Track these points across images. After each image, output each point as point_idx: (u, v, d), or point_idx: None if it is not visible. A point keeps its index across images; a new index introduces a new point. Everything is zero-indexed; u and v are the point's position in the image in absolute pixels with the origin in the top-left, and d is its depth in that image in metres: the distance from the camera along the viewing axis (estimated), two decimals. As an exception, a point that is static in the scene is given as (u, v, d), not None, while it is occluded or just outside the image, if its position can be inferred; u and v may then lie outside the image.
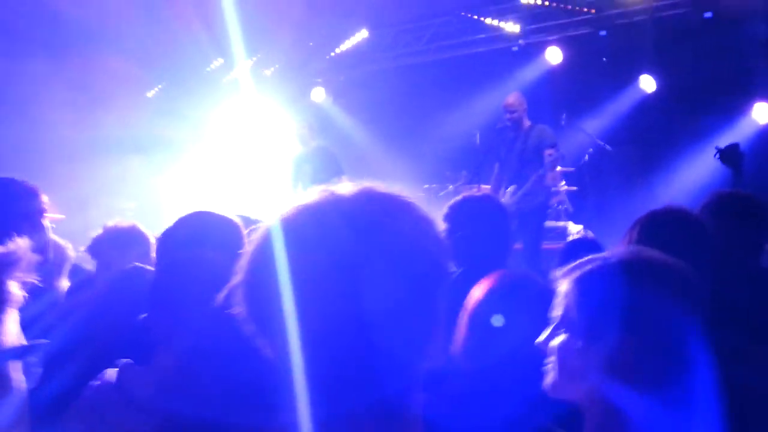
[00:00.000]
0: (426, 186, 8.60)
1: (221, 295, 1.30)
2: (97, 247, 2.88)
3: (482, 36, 8.44)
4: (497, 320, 1.62)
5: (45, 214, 2.40)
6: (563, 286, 1.30)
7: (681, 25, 7.29)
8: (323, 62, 9.65)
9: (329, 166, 7.60)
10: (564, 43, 7.98)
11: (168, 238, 1.93)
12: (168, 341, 1.47)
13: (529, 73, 8.24)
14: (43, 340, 1.48)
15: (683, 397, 1.19)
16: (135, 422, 1.38)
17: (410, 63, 9.08)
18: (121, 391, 1.43)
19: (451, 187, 8.52)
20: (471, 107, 8.33)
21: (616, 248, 1.46)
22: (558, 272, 1.32)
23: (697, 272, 1.29)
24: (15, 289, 1.28)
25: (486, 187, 6.69)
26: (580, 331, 1.26)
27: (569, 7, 7.59)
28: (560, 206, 6.78)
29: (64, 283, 2.70)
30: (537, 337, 1.34)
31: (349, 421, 0.80)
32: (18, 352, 1.33)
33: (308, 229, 0.83)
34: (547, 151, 5.86)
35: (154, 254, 2.21)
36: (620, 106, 7.69)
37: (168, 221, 1.93)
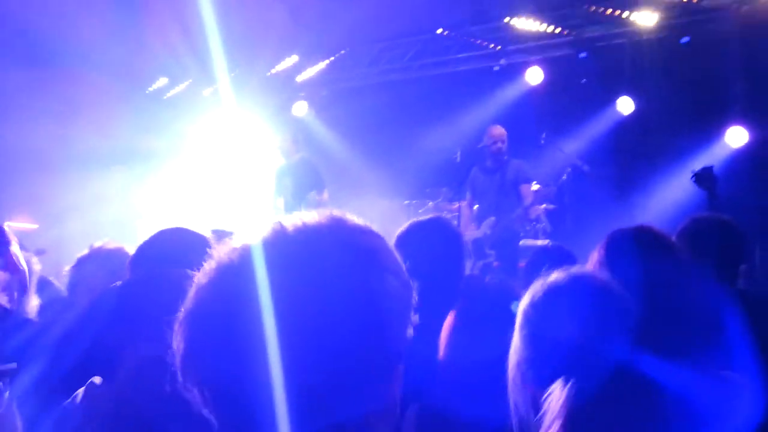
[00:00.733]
0: (406, 202, 8.63)
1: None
2: (81, 268, 2.81)
3: (464, 55, 8.53)
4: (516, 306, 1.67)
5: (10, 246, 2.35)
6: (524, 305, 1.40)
7: (659, 49, 7.44)
8: (306, 76, 9.68)
9: (311, 180, 7.60)
10: (544, 63, 8.09)
11: (141, 253, 1.93)
12: (129, 357, 1.46)
13: (510, 93, 8.34)
14: (11, 365, 1.46)
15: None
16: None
17: (393, 79, 9.14)
18: (84, 410, 1.42)
19: (431, 203, 8.57)
20: (452, 124, 8.39)
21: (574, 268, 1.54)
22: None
23: (663, 287, 1.38)
24: None
25: (464, 203, 6.82)
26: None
27: (550, 28, 7.70)
28: (538, 225, 6.85)
29: (34, 301, 2.61)
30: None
31: None
32: None
33: (267, 260, 0.78)
34: (533, 186, 6.26)
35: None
36: (599, 126, 7.80)
37: (146, 234, 1.93)
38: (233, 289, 0.79)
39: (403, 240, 2.39)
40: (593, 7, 7.40)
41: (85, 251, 2.88)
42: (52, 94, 7.90)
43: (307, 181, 7.58)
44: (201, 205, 9.25)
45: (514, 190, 6.52)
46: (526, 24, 7.80)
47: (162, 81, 10.09)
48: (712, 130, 7.06)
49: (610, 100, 7.71)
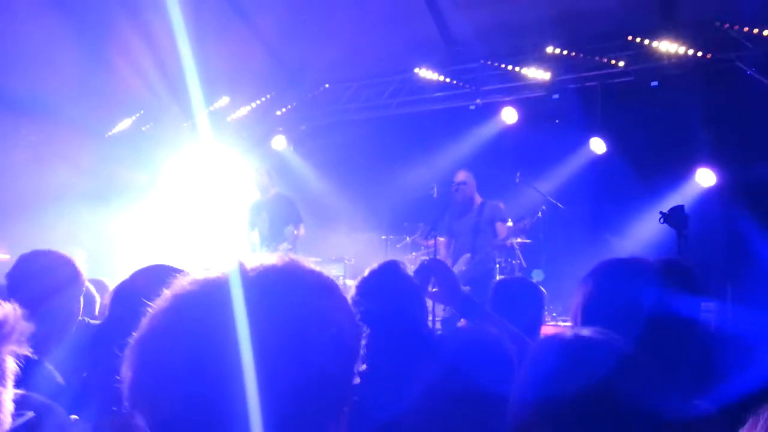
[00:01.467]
0: (384, 237, 8.66)
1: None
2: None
3: (441, 94, 8.69)
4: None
5: None
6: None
7: (629, 92, 7.67)
8: (284, 111, 9.74)
9: (287, 214, 7.59)
10: (519, 104, 8.28)
11: (121, 290, 1.93)
12: (104, 395, 1.45)
13: (486, 131, 8.50)
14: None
15: None
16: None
17: (371, 116, 9.25)
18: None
19: (408, 238, 8.61)
20: (429, 161, 8.51)
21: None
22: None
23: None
24: (11, 363, 1.12)
25: (441, 240, 6.90)
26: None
27: (523, 70, 7.90)
28: (514, 261, 6.92)
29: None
30: None
31: None
32: None
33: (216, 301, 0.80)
34: (508, 224, 6.45)
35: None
36: (572, 166, 7.97)
37: (121, 269, 1.93)
38: (186, 317, 0.80)
39: (359, 287, 2.39)
40: (565, 52, 7.62)
41: None
42: (25, 139, 7.92)
43: (284, 215, 7.58)
44: (177, 239, 9.17)
45: (490, 227, 6.65)
46: (500, 67, 8.03)
47: (125, 123, 10.02)
48: (682, 170, 7.26)
49: (584, 140, 7.90)
